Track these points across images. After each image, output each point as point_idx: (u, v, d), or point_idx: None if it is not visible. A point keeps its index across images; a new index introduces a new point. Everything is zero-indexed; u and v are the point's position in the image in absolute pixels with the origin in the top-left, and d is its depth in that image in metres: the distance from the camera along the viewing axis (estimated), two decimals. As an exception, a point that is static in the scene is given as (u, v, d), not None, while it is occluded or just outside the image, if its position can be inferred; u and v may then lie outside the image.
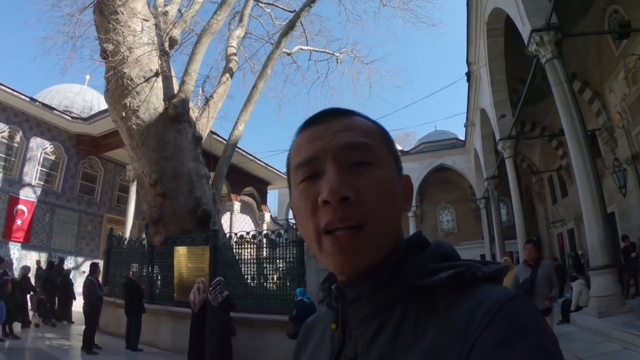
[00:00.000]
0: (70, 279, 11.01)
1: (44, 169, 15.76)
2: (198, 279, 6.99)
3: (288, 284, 7.32)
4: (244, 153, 17.40)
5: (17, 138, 14.87)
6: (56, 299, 10.60)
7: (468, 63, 16.13)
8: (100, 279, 8.69)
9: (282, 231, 7.99)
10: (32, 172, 15.20)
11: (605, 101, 13.09)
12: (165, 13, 10.11)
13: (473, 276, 0.48)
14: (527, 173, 21.43)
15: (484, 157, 17.90)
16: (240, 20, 12.52)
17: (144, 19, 9.08)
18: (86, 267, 15.01)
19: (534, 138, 17.60)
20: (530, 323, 0.42)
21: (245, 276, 7.95)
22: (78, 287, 10.97)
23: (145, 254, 9.31)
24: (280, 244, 7.68)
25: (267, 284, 7.71)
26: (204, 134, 10.18)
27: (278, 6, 13.75)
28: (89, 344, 7.31)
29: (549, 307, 5.04)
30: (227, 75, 11.19)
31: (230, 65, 11.43)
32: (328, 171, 0.52)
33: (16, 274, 11.69)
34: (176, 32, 9.93)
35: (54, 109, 15.49)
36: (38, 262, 12.59)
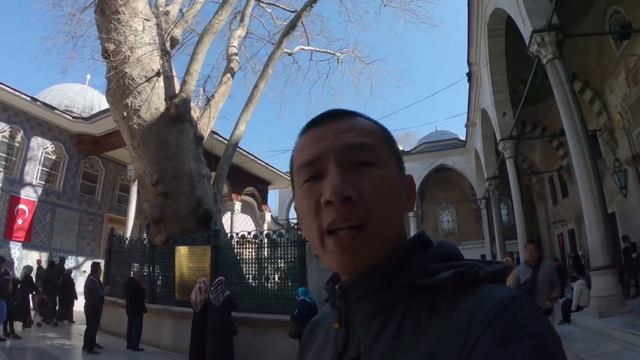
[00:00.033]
0: (72, 279, 11.01)
1: (45, 169, 15.77)
2: (199, 279, 7.00)
3: (289, 283, 7.33)
4: (245, 153, 17.41)
5: (18, 137, 14.87)
6: (57, 298, 10.61)
7: (469, 63, 16.14)
8: (101, 278, 8.70)
9: (283, 231, 8.00)
10: (33, 172, 15.21)
11: (606, 102, 13.09)
12: (167, 13, 10.12)
13: (475, 276, 0.48)
14: (527, 173, 21.43)
15: (484, 157, 17.91)
16: (242, 20, 12.53)
17: (145, 19, 9.09)
18: (87, 266, 15.03)
19: (535, 138, 17.61)
20: (532, 323, 0.41)
21: (247, 276, 7.96)
22: (79, 286, 10.97)
23: (146, 253, 9.32)
24: (282, 244, 7.69)
25: (268, 284, 7.71)
26: (205, 133, 10.19)
27: (279, 6, 13.77)
28: (90, 344, 7.31)
29: (550, 308, 5.04)
30: (229, 75, 11.20)
31: (232, 65, 11.44)
32: (330, 172, 0.53)
33: (17, 273, 11.72)
34: (177, 32, 9.95)
35: (54, 108, 15.50)
36: (39, 261, 12.61)
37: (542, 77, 8.81)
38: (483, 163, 18.23)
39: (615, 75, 12.09)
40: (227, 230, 14.24)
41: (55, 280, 10.58)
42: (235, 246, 8.25)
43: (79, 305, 9.43)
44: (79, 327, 9.30)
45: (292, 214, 29.91)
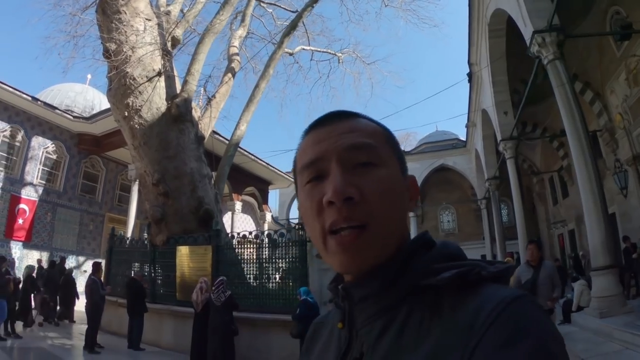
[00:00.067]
0: (73, 278, 11.01)
1: (46, 168, 15.77)
2: (201, 279, 7.01)
3: (290, 283, 7.33)
4: (245, 153, 17.42)
5: (19, 137, 14.88)
6: (58, 298, 10.61)
7: (470, 64, 16.15)
8: (102, 278, 8.71)
9: (284, 231, 8.01)
10: (34, 171, 15.21)
11: (607, 102, 13.10)
12: (168, 13, 10.14)
13: (477, 276, 0.48)
14: (528, 174, 21.44)
15: (485, 157, 17.92)
16: (242, 20, 12.54)
17: (146, 19, 9.11)
18: (87, 266, 15.06)
19: (535, 139, 17.63)
20: (534, 323, 0.41)
21: (248, 276, 7.96)
22: (80, 286, 10.98)
23: (147, 253, 9.33)
24: (283, 244, 7.70)
25: (269, 284, 7.72)
26: (206, 133, 10.20)
27: (280, 6, 13.78)
28: (91, 343, 7.31)
29: (551, 308, 5.03)
30: (230, 75, 11.21)
31: (233, 65, 11.45)
32: (332, 172, 0.53)
33: (18, 273, 11.72)
34: (178, 32, 9.97)
35: (55, 108, 15.50)
36: (39, 261, 12.59)
37: (543, 78, 8.81)
38: (483, 163, 18.24)
39: (616, 75, 12.10)
40: (228, 230, 14.25)
41: (56, 280, 10.58)
42: (236, 246, 8.25)
43: (80, 305, 9.43)
44: (80, 327, 9.30)
45: (293, 214, 29.91)
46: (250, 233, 8.25)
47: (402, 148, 0.65)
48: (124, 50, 8.41)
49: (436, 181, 25.98)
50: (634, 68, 11.11)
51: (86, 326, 7.62)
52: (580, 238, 17.09)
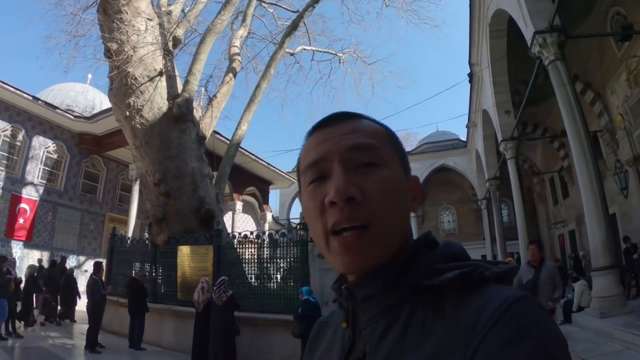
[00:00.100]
0: (74, 278, 11.02)
1: (47, 168, 15.76)
2: (202, 279, 7.02)
3: (292, 283, 7.34)
4: (246, 153, 17.42)
5: (20, 137, 14.88)
6: (58, 297, 10.62)
7: (470, 64, 16.16)
8: (103, 278, 8.71)
9: (285, 231, 8.02)
10: (35, 171, 15.21)
11: (607, 103, 13.11)
12: (169, 12, 10.15)
13: (480, 276, 0.48)
14: (528, 174, 21.46)
15: (485, 157, 17.92)
16: (244, 20, 12.55)
17: (147, 19, 9.11)
18: (88, 266, 15.07)
19: (536, 139, 17.63)
20: (536, 324, 0.41)
21: (249, 276, 7.97)
22: (80, 286, 10.99)
23: (148, 253, 9.34)
24: (284, 244, 7.70)
25: (270, 284, 7.72)
26: (208, 133, 10.21)
27: (281, 6, 13.79)
28: (92, 343, 7.32)
29: (552, 308, 5.03)
30: (231, 75, 11.22)
31: (234, 65, 11.45)
32: (335, 173, 0.53)
33: (19, 272, 11.73)
34: (180, 32, 9.97)
35: (56, 107, 15.49)
36: (40, 260, 12.60)
37: (544, 78, 8.82)
38: (484, 164, 18.24)
39: (617, 76, 12.10)
40: (229, 230, 14.26)
41: (56, 280, 10.59)
42: (238, 246, 8.26)
43: (81, 304, 9.44)
44: (81, 327, 9.32)
45: (293, 214, 29.93)
46: (252, 233, 8.26)
47: (403, 148, 0.66)
48: (126, 50, 8.42)
49: (437, 181, 25.99)
50: (635, 69, 11.12)
51: (87, 326, 7.63)
52: (581, 238, 17.10)
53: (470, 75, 16.48)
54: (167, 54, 9.33)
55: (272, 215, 23.96)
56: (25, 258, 14.15)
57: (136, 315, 7.77)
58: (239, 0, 11.05)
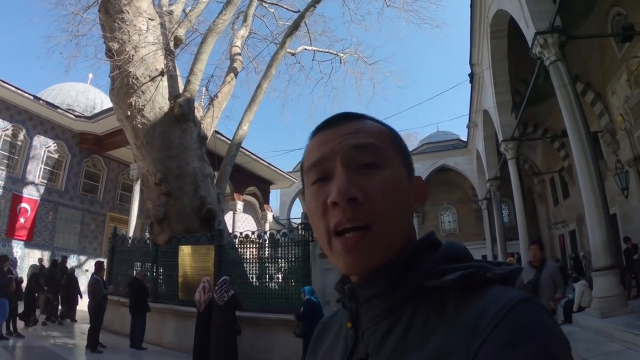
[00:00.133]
0: (76, 277, 11.03)
1: (47, 168, 15.77)
2: (203, 278, 7.03)
3: (293, 283, 7.35)
4: (247, 153, 17.43)
5: (21, 136, 14.88)
6: (59, 297, 10.63)
7: (471, 64, 16.16)
8: (104, 277, 8.72)
9: (287, 231, 8.03)
10: (36, 171, 15.22)
11: (608, 103, 13.12)
12: (170, 12, 10.16)
13: (483, 277, 0.48)
14: (529, 174, 21.47)
15: (486, 158, 17.92)
16: (245, 20, 12.56)
17: (149, 18, 9.11)
18: (89, 265, 15.07)
19: (537, 139, 17.64)
20: (538, 326, 0.41)
21: (250, 275, 7.98)
22: (81, 285, 11.00)
23: (149, 252, 9.35)
24: (286, 244, 7.71)
25: (272, 284, 7.73)
26: (209, 133, 10.22)
27: (282, 6, 13.80)
28: (93, 343, 7.32)
29: (553, 309, 5.03)
30: (232, 74, 11.23)
31: (235, 65, 11.46)
32: (337, 173, 0.54)
33: (20, 272, 11.74)
34: (181, 32, 9.98)
35: (57, 107, 15.49)
36: (40, 260, 12.61)
37: (545, 79, 8.83)
38: (484, 164, 18.25)
39: (617, 77, 12.12)
40: (229, 229, 14.28)
41: (57, 279, 10.60)
42: (239, 246, 8.27)
43: (83, 304, 9.45)
44: (82, 326, 9.32)
45: (294, 214, 29.96)
46: (253, 233, 8.27)
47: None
48: (127, 49, 8.42)
49: (437, 181, 26.00)
50: (635, 69, 11.13)
51: (88, 325, 7.63)
52: (581, 239, 17.12)
53: (471, 76, 16.49)
54: (169, 53, 9.33)
55: (273, 215, 23.97)
56: (26, 258, 14.16)
57: (137, 314, 7.78)
58: (240, 0, 11.06)
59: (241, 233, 8.43)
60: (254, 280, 7.94)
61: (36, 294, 9.80)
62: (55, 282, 10.46)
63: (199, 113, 9.90)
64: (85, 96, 19.34)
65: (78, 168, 16.70)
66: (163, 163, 8.72)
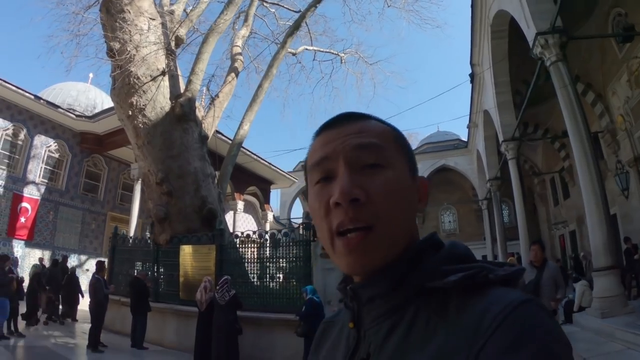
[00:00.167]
0: (77, 277, 11.03)
1: (48, 167, 15.78)
2: (205, 278, 7.03)
3: (294, 283, 7.36)
4: (248, 152, 17.44)
5: (22, 136, 14.90)
6: (60, 296, 10.64)
7: (472, 64, 16.16)
8: (105, 277, 8.72)
9: (288, 231, 8.04)
10: (36, 170, 15.23)
11: (608, 104, 13.13)
12: (172, 12, 10.16)
13: (485, 279, 0.48)
14: (529, 174, 21.46)
15: (486, 158, 17.93)
16: (245, 20, 12.55)
17: (150, 18, 9.11)
18: (89, 265, 15.10)
19: (537, 140, 17.64)
20: (540, 327, 0.41)
21: (251, 275, 7.99)
22: (82, 285, 11.01)
23: (149, 252, 9.36)
24: (287, 244, 7.72)
25: (273, 283, 7.74)
26: (210, 133, 10.22)
27: (283, 6, 13.80)
28: (94, 342, 7.32)
29: (554, 309, 5.03)
30: (233, 74, 11.23)
31: (236, 64, 11.45)
32: (340, 173, 0.54)
33: (20, 271, 11.74)
34: (182, 31, 9.97)
35: (58, 106, 15.50)
36: (41, 259, 12.62)
37: (545, 79, 8.84)
38: (485, 164, 18.25)
39: (618, 77, 12.12)
40: (230, 229, 14.28)
41: (58, 279, 10.61)
42: (240, 246, 8.28)
43: (84, 303, 9.45)
44: (83, 326, 9.33)
45: (294, 214, 29.97)
46: (254, 232, 8.28)
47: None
48: (128, 49, 8.42)
49: (437, 181, 26.00)
50: (636, 70, 11.14)
51: (89, 325, 7.63)
52: (582, 239, 17.13)
53: (472, 76, 16.50)
54: (170, 53, 9.33)
55: (273, 215, 23.97)
56: (27, 257, 14.17)
57: (138, 314, 7.79)
58: (241, 0, 11.06)
59: (242, 233, 8.44)
60: (255, 280, 7.95)
61: (38, 294, 9.80)
62: (56, 281, 10.47)
63: (200, 113, 9.90)
64: (86, 96, 19.35)
65: (79, 167, 16.72)
66: (164, 163, 8.72)
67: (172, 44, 9.56)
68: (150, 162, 8.82)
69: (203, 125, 9.85)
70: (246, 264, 8.12)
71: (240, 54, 11.88)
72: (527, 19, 8.66)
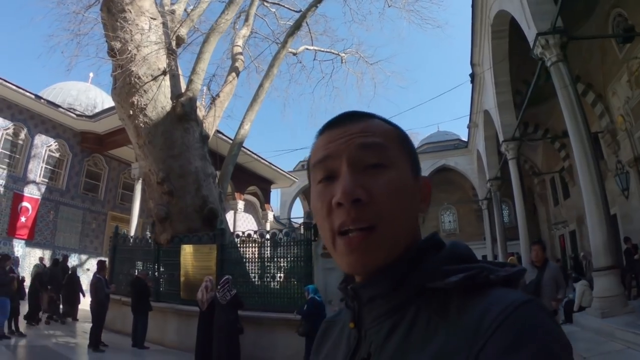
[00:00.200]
0: (78, 276, 11.03)
1: (49, 167, 15.78)
2: (206, 278, 7.04)
3: (295, 282, 7.37)
4: (248, 152, 17.45)
5: (22, 135, 14.90)
6: (61, 296, 10.64)
7: (472, 64, 16.16)
8: (106, 276, 8.73)
9: (289, 230, 8.05)
10: (37, 170, 15.23)
11: (609, 104, 13.13)
12: (173, 12, 10.17)
13: (485, 279, 0.48)
14: (529, 174, 21.47)
15: (486, 158, 17.92)
16: (246, 20, 12.55)
17: (151, 18, 9.11)
18: (90, 264, 15.10)
19: (537, 140, 17.66)
20: (540, 328, 0.41)
21: (252, 275, 7.99)
22: (82, 284, 11.01)
23: (150, 252, 9.37)
24: (288, 243, 7.73)
25: (274, 283, 7.75)
26: (211, 132, 10.22)
27: (284, 6, 13.80)
28: (95, 342, 7.33)
29: (555, 309, 5.04)
30: (233, 74, 11.23)
31: (237, 64, 11.46)
32: (342, 173, 0.54)
33: (21, 271, 11.73)
34: (183, 31, 9.98)
35: (58, 106, 15.51)
36: (41, 259, 12.63)
37: (546, 79, 8.84)
38: (485, 164, 18.25)
39: (618, 77, 12.13)
40: (230, 229, 14.28)
41: (59, 278, 10.61)
42: (241, 245, 8.29)
43: (85, 303, 9.46)
44: (84, 325, 9.34)
45: (294, 214, 29.98)
46: (255, 232, 8.29)
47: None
48: (129, 48, 8.42)
49: (437, 181, 25.97)
50: (636, 70, 11.15)
51: (90, 324, 7.64)
52: (582, 239, 17.14)
53: (472, 76, 16.50)
54: (171, 53, 9.34)
55: (274, 215, 23.98)
56: (27, 256, 14.18)
57: (139, 314, 7.80)
58: (242, 0, 11.07)
59: (243, 232, 8.45)
60: (256, 279, 7.96)
61: (40, 294, 9.81)
62: (57, 281, 10.47)
63: (201, 112, 9.91)
64: (86, 95, 19.36)
65: (79, 167, 16.73)
66: (165, 162, 8.73)
67: (173, 43, 9.56)
68: (151, 162, 8.83)
69: (204, 125, 9.86)
70: (247, 264, 8.13)
71: (241, 53, 11.88)
72: (528, 20, 8.67)
